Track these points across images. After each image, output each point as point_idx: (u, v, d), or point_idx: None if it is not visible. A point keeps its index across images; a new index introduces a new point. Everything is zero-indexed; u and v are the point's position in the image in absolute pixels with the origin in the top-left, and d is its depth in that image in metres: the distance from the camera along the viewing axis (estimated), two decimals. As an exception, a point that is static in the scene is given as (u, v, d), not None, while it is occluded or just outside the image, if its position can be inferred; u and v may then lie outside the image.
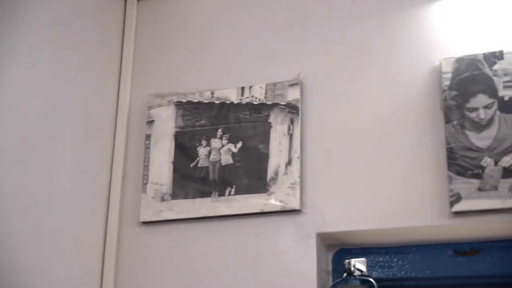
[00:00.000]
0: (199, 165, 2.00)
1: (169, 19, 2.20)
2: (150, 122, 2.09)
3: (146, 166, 2.04)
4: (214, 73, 2.09)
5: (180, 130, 2.05)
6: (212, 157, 2.00)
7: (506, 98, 1.75)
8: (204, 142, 2.02)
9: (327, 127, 1.93)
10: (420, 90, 1.86)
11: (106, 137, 2.10)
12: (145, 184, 2.02)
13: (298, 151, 1.91)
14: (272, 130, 1.96)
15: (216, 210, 1.93)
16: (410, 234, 1.80)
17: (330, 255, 1.89)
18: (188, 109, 2.07)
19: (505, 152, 1.71)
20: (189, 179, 1.99)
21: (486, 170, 1.71)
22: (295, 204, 1.86)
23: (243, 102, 2.02)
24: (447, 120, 1.79)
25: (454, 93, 1.80)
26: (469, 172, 1.73)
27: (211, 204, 1.94)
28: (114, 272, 1.96)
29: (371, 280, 1.81)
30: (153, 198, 2.00)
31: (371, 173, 1.83)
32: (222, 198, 1.94)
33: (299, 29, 2.05)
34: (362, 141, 1.88)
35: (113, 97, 2.14)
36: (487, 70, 1.79)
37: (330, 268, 1.88)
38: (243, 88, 2.03)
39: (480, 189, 1.70)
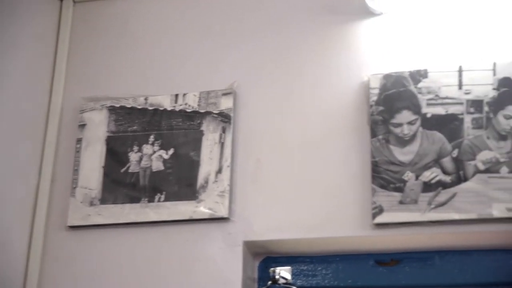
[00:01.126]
0: (129, 171, 1.99)
1: (105, 23, 2.19)
2: (82, 126, 2.07)
3: (76, 170, 2.03)
4: (148, 79, 2.10)
5: (112, 134, 2.05)
6: (143, 163, 2.00)
7: (428, 115, 1.82)
8: (135, 148, 2.02)
9: (259, 137, 1.96)
10: (349, 104, 1.92)
11: (37, 139, 2.07)
12: (74, 188, 2.01)
13: (229, 160, 1.94)
14: (204, 138, 1.98)
15: (145, 216, 1.93)
16: (334, 244, 1.85)
17: (257, 263, 1.92)
18: (121, 114, 2.06)
19: (426, 167, 1.78)
20: (119, 184, 1.98)
21: (408, 184, 1.78)
22: (224, 212, 1.88)
23: (176, 109, 2.03)
24: (373, 134, 1.85)
25: (380, 108, 1.87)
26: (391, 185, 1.79)
27: (140, 210, 1.94)
28: (38, 276, 1.93)
29: (295, 288, 1.85)
30: (81, 202, 1.99)
31: (299, 183, 1.88)
32: (151, 204, 1.94)
33: (235, 39, 2.08)
34: (292, 152, 1.92)
35: (45, 99, 2.12)
36: (412, 87, 1.86)
37: (256, 276, 1.91)
38: (177, 95, 2.04)
39: (401, 202, 1.77)
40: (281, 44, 2.03)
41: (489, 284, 1.77)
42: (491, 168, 1.73)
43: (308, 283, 1.88)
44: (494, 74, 1.80)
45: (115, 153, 2.02)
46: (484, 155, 1.74)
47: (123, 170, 1.99)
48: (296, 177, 1.88)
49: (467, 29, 1.87)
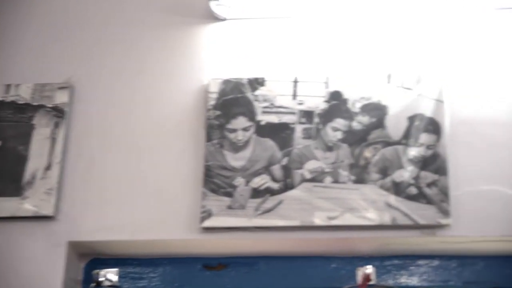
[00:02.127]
0: (-51, 162, 1.88)
1: None
2: None
3: None
4: (-21, 67, 1.99)
5: None
6: (-35, 155, 1.89)
7: (262, 123, 1.86)
8: (-41, 138, 1.90)
9: (94, 135, 1.91)
10: (188, 107, 1.91)
11: None
12: None
13: (59, 156, 1.86)
14: (34, 133, 1.89)
15: (-36, 212, 1.83)
16: (162, 247, 1.83)
17: (82, 265, 1.86)
18: None
19: (256, 173, 1.81)
20: None
21: (238, 189, 1.79)
22: (49, 210, 1.80)
23: (7, 100, 1.92)
24: (209, 138, 1.85)
25: (217, 113, 1.88)
26: (222, 190, 1.80)
27: (-41, 204, 1.83)
28: None
29: (121, 291, 1.82)
30: None
31: (131, 184, 1.84)
32: (-28, 199, 1.84)
33: (77, 32, 2.01)
34: (126, 152, 1.88)
35: None
36: (249, 94, 1.89)
37: (81, 277, 1.85)
38: (8, 86, 1.94)
39: (229, 207, 1.78)
40: (123, 42, 1.98)
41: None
42: (317, 178, 1.79)
43: (135, 285, 1.84)
44: (326, 87, 1.88)
45: None
46: (311, 165, 1.80)
47: None
48: (128, 178, 1.84)
49: (304, 41, 1.93)
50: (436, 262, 1.79)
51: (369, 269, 1.73)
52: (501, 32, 1.89)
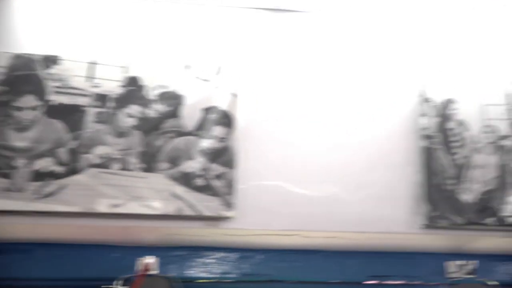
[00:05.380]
0: None
1: None
2: None
3: None
4: None
5: None
6: None
7: (53, 103, 1.76)
8: None
9: None
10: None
11: None
12: None
13: None
14: None
15: None
16: None
17: None
18: None
19: (40, 155, 1.71)
20: None
21: (18, 171, 1.69)
22: None
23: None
24: (-8, 115, 1.74)
25: (5, 89, 1.75)
26: (1, 171, 1.69)
27: None
28: None
29: None
30: None
31: None
32: None
33: None
34: None
35: None
36: (42, 72, 1.78)
37: None
38: None
39: (7, 189, 1.67)
40: None
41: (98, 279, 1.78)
42: (104, 163, 1.72)
43: None
44: (124, 72, 1.82)
45: None
46: (100, 150, 1.74)
47: None
48: None
49: (105, 24, 1.86)
50: (220, 254, 1.81)
51: (149, 259, 1.70)
52: (308, 32, 1.94)
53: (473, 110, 1.85)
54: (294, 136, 1.83)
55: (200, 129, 1.79)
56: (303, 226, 1.78)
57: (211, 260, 1.80)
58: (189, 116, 1.80)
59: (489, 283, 1.85)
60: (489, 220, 1.78)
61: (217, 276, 1.78)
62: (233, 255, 1.81)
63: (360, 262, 1.91)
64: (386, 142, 1.83)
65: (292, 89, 1.88)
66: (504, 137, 1.84)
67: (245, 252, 1.81)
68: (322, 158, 1.80)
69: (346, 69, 1.90)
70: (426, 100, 1.85)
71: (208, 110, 1.81)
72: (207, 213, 1.72)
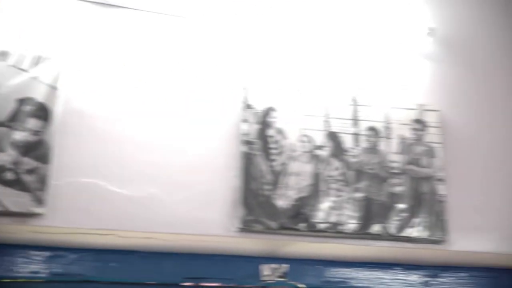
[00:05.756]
0: None
1: None
2: None
3: None
4: None
5: None
6: None
7: None
8: None
9: None
10: None
11: None
12: None
13: None
14: None
15: None
16: None
17: None
18: None
19: None
20: None
21: None
22: None
23: None
24: None
25: None
26: None
27: None
28: None
29: None
30: None
31: None
32: None
33: None
34: None
35: None
36: None
37: None
38: None
39: None
40: None
41: None
42: None
43: None
44: None
45: None
46: None
47: None
48: None
49: None
50: (28, 252, 1.73)
51: None
52: (136, 30, 1.91)
53: (292, 120, 1.93)
54: (114, 134, 1.79)
55: (13, 120, 1.69)
56: (119, 225, 1.74)
57: (18, 258, 1.71)
58: (2, 106, 1.70)
59: (299, 286, 1.93)
60: (301, 226, 1.87)
61: (25, 275, 1.70)
62: (43, 254, 1.74)
63: (176, 263, 1.92)
64: (207, 146, 1.85)
65: (114, 86, 1.84)
66: (319, 147, 1.95)
67: (56, 250, 1.75)
68: (141, 158, 1.78)
69: (171, 70, 1.89)
70: (248, 107, 1.91)
71: (23, 101, 1.72)
72: (14, 208, 1.63)
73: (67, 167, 1.72)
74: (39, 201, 1.66)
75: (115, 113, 1.81)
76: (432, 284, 2.15)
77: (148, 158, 1.79)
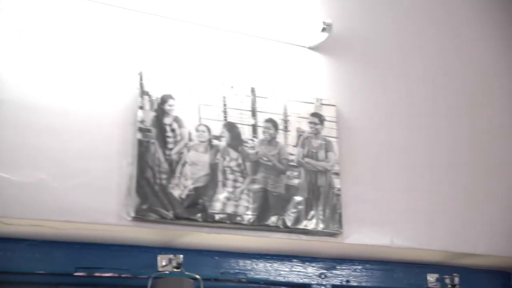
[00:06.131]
0: None
1: None
2: None
3: None
4: None
5: None
6: None
7: None
8: None
9: None
10: None
11: None
12: None
13: None
14: None
15: None
16: None
17: None
18: None
19: None
20: None
21: None
22: None
23: None
24: None
25: None
26: None
27: None
28: None
29: None
30: None
31: None
32: None
33: None
34: None
35: None
36: None
37: None
38: None
39: None
40: None
41: None
42: None
43: None
44: None
45: None
46: None
47: None
48: None
49: None
50: None
51: None
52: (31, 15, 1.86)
53: (190, 108, 1.92)
54: (1, 116, 1.73)
55: None
56: (5, 212, 1.68)
57: None
58: None
59: (195, 276, 1.92)
60: (198, 216, 1.85)
61: None
62: None
63: (69, 253, 1.87)
64: (102, 132, 1.81)
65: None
66: (217, 137, 1.95)
67: None
68: (30, 142, 1.72)
69: (65, 53, 1.84)
70: (145, 94, 1.89)
71: None
72: None
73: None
74: None
75: (10, 98, 1.75)
76: (328, 276, 2.20)
77: (38, 143, 1.74)
